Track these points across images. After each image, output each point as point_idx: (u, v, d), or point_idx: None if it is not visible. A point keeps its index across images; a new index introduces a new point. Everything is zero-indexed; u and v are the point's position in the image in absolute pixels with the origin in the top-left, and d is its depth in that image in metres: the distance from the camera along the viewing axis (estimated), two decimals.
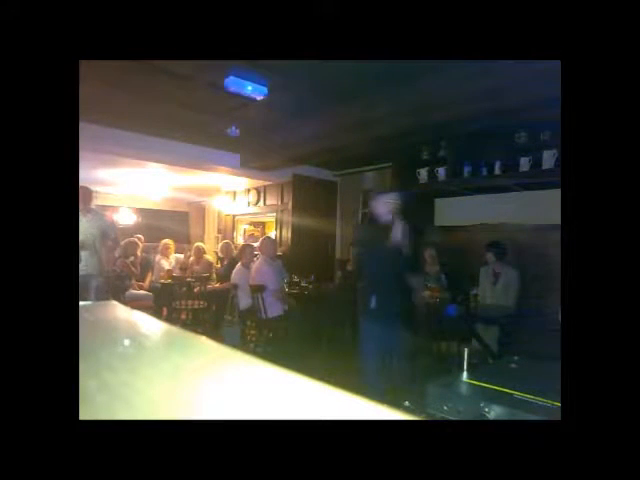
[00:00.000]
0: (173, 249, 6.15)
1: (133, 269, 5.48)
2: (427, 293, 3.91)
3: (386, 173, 5.23)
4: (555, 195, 3.42)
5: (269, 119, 4.02)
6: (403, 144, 4.51)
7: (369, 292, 2.62)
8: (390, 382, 2.60)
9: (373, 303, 2.56)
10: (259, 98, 3.23)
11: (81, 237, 3.55)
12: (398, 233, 2.53)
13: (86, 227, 3.68)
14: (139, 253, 5.82)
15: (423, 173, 4.59)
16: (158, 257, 6.01)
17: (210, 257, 6.29)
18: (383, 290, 2.59)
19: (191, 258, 6.22)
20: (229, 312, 4.94)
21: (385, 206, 2.62)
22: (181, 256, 6.42)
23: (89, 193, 3.86)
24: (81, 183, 2.97)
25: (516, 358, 1.32)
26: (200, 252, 6.11)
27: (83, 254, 3.57)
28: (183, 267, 6.07)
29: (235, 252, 5.84)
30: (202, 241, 7.26)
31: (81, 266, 3.53)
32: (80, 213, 3.68)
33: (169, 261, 5.99)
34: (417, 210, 4.96)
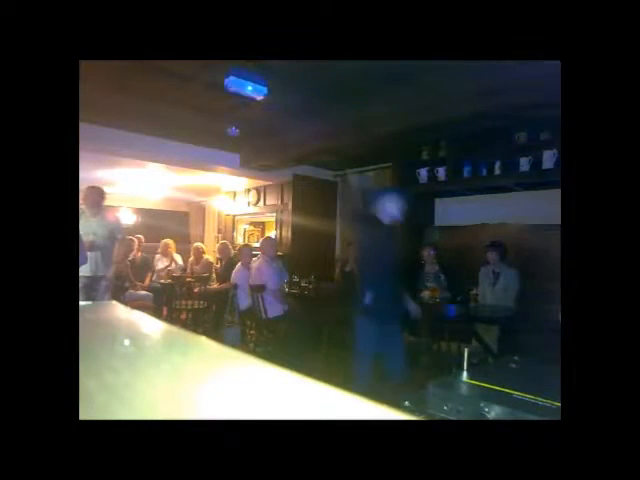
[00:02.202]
0: (174, 248, 6.14)
1: (128, 270, 5.45)
2: (427, 293, 3.91)
3: (386, 173, 5.23)
4: (555, 195, 3.42)
5: (269, 119, 4.01)
6: (403, 144, 4.51)
7: (366, 287, 2.63)
8: (385, 381, 2.62)
9: (368, 299, 2.58)
10: (259, 98, 3.23)
11: (92, 237, 3.52)
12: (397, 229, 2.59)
13: (97, 227, 3.65)
14: (138, 253, 5.81)
15: (423, 173, 4.59)
16: (158, 256, 6.00)
17: (210, 257, 6.29)
18: (379, 285, 2.61)
19: (190, 258, 6.22)
20: (229, 312, 4.93)
21: (387, 204, 2.64)
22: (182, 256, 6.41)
23: (101, 193, 3.81)
24: (81, 183, 2.95)
25: (516, 358, 1.32)
26: (199, 252, 6.11)
27: (94, 255, 3.53)
28: (184, 267, 6.07)
29: (233, 252, 5.84)
30: (202, 241, 7.25)
31: (92, 267, 3.50)
32: (91, 214, 3.66)
33: (169, 260, 5.98)
34: (417, 210, 4.96)
